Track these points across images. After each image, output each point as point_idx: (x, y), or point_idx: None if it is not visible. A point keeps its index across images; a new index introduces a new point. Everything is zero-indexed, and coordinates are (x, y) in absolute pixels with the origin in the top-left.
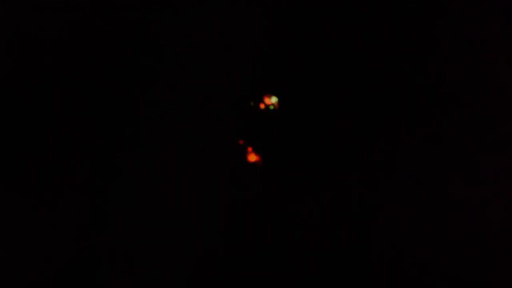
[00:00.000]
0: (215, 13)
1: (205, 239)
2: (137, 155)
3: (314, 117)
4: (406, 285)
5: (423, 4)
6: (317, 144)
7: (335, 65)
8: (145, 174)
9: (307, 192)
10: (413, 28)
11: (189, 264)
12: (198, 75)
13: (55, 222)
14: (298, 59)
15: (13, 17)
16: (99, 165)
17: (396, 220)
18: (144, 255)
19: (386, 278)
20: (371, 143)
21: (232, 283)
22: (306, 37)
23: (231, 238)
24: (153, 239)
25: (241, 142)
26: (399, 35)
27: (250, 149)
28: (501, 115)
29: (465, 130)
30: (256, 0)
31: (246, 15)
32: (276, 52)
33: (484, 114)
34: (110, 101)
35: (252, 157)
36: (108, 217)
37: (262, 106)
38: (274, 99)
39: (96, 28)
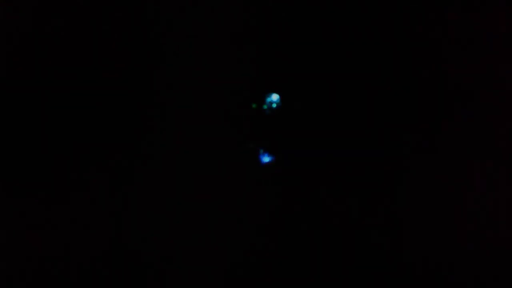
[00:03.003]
0: (215, 13)
1: (221, 242)
2: (148, 160)
3: (318, 114)
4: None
5: (424, 4)
6: (323, 141)
7: (335, 62)
8: (156, 179)
9: (320, 190)
10: (415, 26)
11: (202, 265)
12: (198, 77)
13: (57, 222)
14: (299, 57)
15: (13, 17)
16: (108, 171)
17: (398, 219)
18: (156, 258)
19: (392, 280)
20: (372, 141)
21: (247, 284)
22: (309, 34)
23: (249, 240)
24: (167, 243)
25: (251, 144)
26: (401, 32)
27: (261, 150)
28: (501, 116)
29: (466, 130)
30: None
31: (246, 14)
32: (276, 50)
33: (485, 114)
34: (116, 105)
35: (265, 159)
36: (115, 219)
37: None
38: (275, 97)
39: (96, 28)
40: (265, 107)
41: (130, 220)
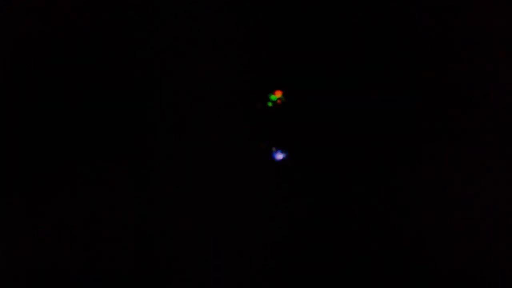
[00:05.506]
0: (216, 13)
1: (239, 242)
2: (162, 162)
3: (322, 109)
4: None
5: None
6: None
7: (336, 62)
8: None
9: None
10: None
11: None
12: (199, 77)
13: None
14: (303, 53)
15: (13, 17)
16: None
17: (400, 218)
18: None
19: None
20: (373, 140)
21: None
22: (311, 30)
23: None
24: (179, 244)
25: (261, 144)
26: (403, 31)
27: (273, 148)
28: (502, 116)
29: (466, 130)
30: None
31: (247, 13)
32: (278, 48)
33: (485, 114)
34: (128, 106)
35: (278, 156)
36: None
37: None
38: (279, 94)
39: (96, 29)
40: (270, 104)
41: (142, 221)
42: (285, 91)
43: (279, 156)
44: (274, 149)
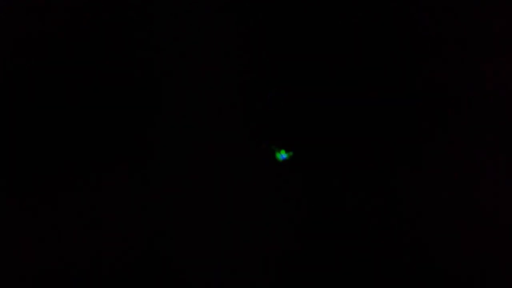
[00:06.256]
0: (216, 13)
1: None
2: (164, 165)
3: (323, 109)
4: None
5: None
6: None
7: (334, 62)
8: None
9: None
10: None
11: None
12: (200, 77)
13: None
14: (302, 53)
15: (13, 17)
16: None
17: (401, 219)
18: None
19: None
20: (373, 141)
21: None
22: (309, 31)
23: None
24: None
25: (262, 144)
26: (403, 31)
27: (277, 148)
28: (502, 115)
29: (466, 130)
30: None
31: (247, 13)
32: (278, 48)
33: (485, 114)
34: (128, 107)
35: (281, 156)
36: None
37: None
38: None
39: (95, 29)
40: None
41: (143, 223)
42: (285, 91)
43: (282, 156)
44: (276, 149)
